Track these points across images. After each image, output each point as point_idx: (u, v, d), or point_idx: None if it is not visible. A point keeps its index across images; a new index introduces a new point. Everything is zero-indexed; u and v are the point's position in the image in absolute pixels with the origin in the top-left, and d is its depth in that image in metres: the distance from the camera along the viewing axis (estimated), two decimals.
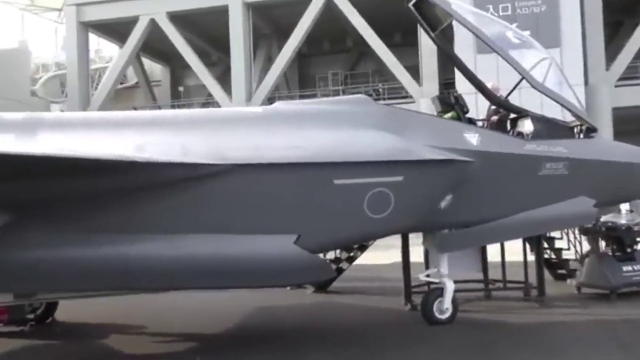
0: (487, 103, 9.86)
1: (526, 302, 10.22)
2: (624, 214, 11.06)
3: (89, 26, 35.36)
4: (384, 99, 31.02)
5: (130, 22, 33.62)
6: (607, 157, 8.91)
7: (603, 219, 10.79)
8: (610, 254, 10.64)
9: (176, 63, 40.22)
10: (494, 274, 10.84)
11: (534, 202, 8.49)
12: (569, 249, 12.12)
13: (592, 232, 10.84)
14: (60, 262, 6.48)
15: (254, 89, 32.65)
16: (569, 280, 11.50)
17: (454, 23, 9.07)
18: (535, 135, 8.55)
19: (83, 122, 7.75)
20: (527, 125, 8.67)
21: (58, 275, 6.58)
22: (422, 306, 8.86)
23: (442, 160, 7.66)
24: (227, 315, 9.85)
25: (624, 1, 31.22)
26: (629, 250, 10.57)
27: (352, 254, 11.71)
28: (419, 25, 12.06)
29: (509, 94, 9.35)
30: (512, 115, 9.19)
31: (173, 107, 36.57)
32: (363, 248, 11.46)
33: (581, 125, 9.15)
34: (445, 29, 9.47)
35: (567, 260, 12.02)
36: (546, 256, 11.60)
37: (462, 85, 17.99)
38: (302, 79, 40.52)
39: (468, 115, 9.19)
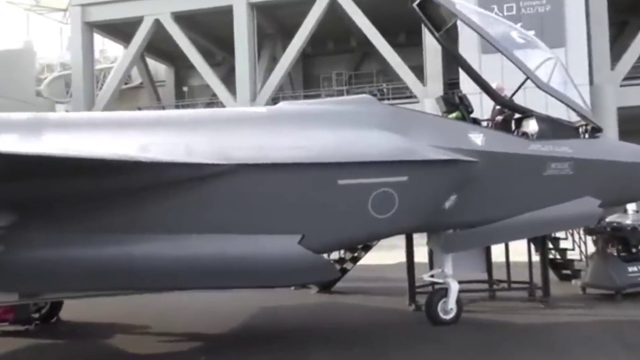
0: (491, 103, 9.85)
1: (531, 303, 10.19)
2: (630, 214, 11.03)
3: (93, 26, 35.45)
4: (388, 99, 31.00)
5: (135, 23, 33.69)
6: (612, 157, 8.89)
7: (608, 219, 10.75)
8: (615, 254, 10.61)
9: (180, 63, 40.30)
10: (499, 274, 10.82)
11: (538, 203, 8.47)
12: (573, 249, 12.09)
13: (597, 233, 10.80)
14: (64, 262, 6.50)
15: (258, 89, 32.67)
16: (573, 281, 11.47)
17: (459, 23, 9.06)
18: (540, 136, 8.53)
19: (88, 122, 7.77)
20: (531, 125, 8.66)
21: (63, 275, 6.60)
22: (427, 306, 8.86)
23: (447, 161, 7.65)
24: (231, 315, 9.86)
25: (629, 0, 31.11)
26: (634, 250, 10.53)
27: (356, 254, 11.71)
28: (423, 25, 12.01)
29: (513, 94, 9.34)
30: (517, 115, 9.18)
31: (177, 107, 36.61)
32: (367, 248, 11.45)
33: (586, 125, 9.12)
34: (449, 29, 9.47)
35: (572, 260, 11.98)
36: (551, 256, 11.56)
37: (466, 85, 17.99)
38: (307, 79, 40.53)
39: (472, 116, 9.19)
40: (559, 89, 8.74)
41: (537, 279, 10.36)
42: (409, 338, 8.18)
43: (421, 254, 10.25)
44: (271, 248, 6.91)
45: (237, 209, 6.91)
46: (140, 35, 33.86)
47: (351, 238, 7.92)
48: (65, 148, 6.46)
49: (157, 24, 33.37)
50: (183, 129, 7.36)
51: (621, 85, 28.29)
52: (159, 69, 43.69)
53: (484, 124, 9.40)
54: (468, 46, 20.44)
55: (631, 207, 11.07)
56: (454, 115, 9.15)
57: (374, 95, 22.66)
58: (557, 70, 8.76)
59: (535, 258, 10.61)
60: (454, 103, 9.35)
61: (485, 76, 9.78)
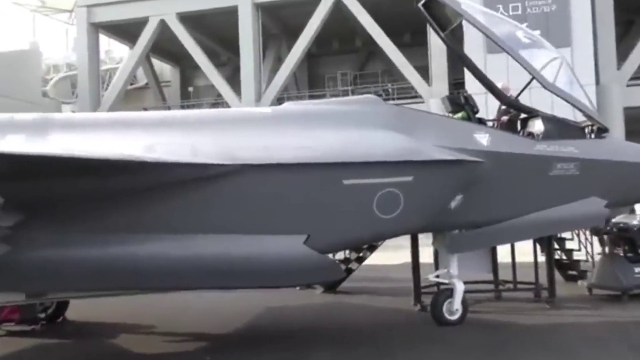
0: (497, 103, 9.82)
1: (537, 303, 10.17)
2: (637, 215, 10.97)
3: (99, 27, 35.56)
4: (393, 99, 30.98)
5: (140, 23, 33.78)
6: (618, 158, 8.84)
7: (615, 219, 10.70)
8: (622, 255, 10.56)
9: (186, 63, 40.38)
10: (504, 274, 10.80)
11: (544, 203, 8.44)
12: (580, 250, 12.05)
13: (603, 233, 10.75)
14: (70, 262, 6.51)
15: (263, 89, 32.70)
16: (579, 282, 11.43)
17: (464, 23, 9.03)
18: (546, 136, 8.50)
19: (93, 122, 7.80)
20: (537, 126, 8.62)
21: (68, 275, 6.62)
22: (432, 307, 8.84)
23: (452, 161, 7.63)
24: (236, 315, 9.87)
25: (636, 0, 30.97)
26: None
27: (361, 254, 11.71)
28: (428, 25, 12.00)
29: (519, 94, 9.30)
30: (523, 116, 9.15)
31: (183, 107, 36.73)
32: (372, 248, 11.45)
33: (592, 125, 9.09)
34: (455, 28, 9.45)
35: (578, 261, 11.94)
36: (557, 257, 11.53)
37: (471, 85, 17.87)
38: (312, 79, 40.54)
39: (478, 116, 9.17)
40: (565, 89, 8.70)
41: (543, 279, 10.34)
42: (414, 338, 8.18)
43: (426, 255, 10.24)
44: (276, 248, 6.91)
45: (243, 209, 6.91)
46: (146, 36, 33.95)
47: (356, 238, 7.92)
48: (71, 148, 6.47)
49: (163, 25, 33.44)
50: (188, 129, 7.37)
51: (627, 85, 28.18)
52: (165, 69, 43.82)
53: (490, 124, 9.38)
54: (473, 46, 20.43)
55: (638, 207, 11.02)
56: (459, 115, 9.14)
57: (379, 95, 22.67)
58: (562, 70, 8.72)
59: (541, 258, 10.59)
60: (460, 103, 9.32)
61: (490, 76, 9.76)
